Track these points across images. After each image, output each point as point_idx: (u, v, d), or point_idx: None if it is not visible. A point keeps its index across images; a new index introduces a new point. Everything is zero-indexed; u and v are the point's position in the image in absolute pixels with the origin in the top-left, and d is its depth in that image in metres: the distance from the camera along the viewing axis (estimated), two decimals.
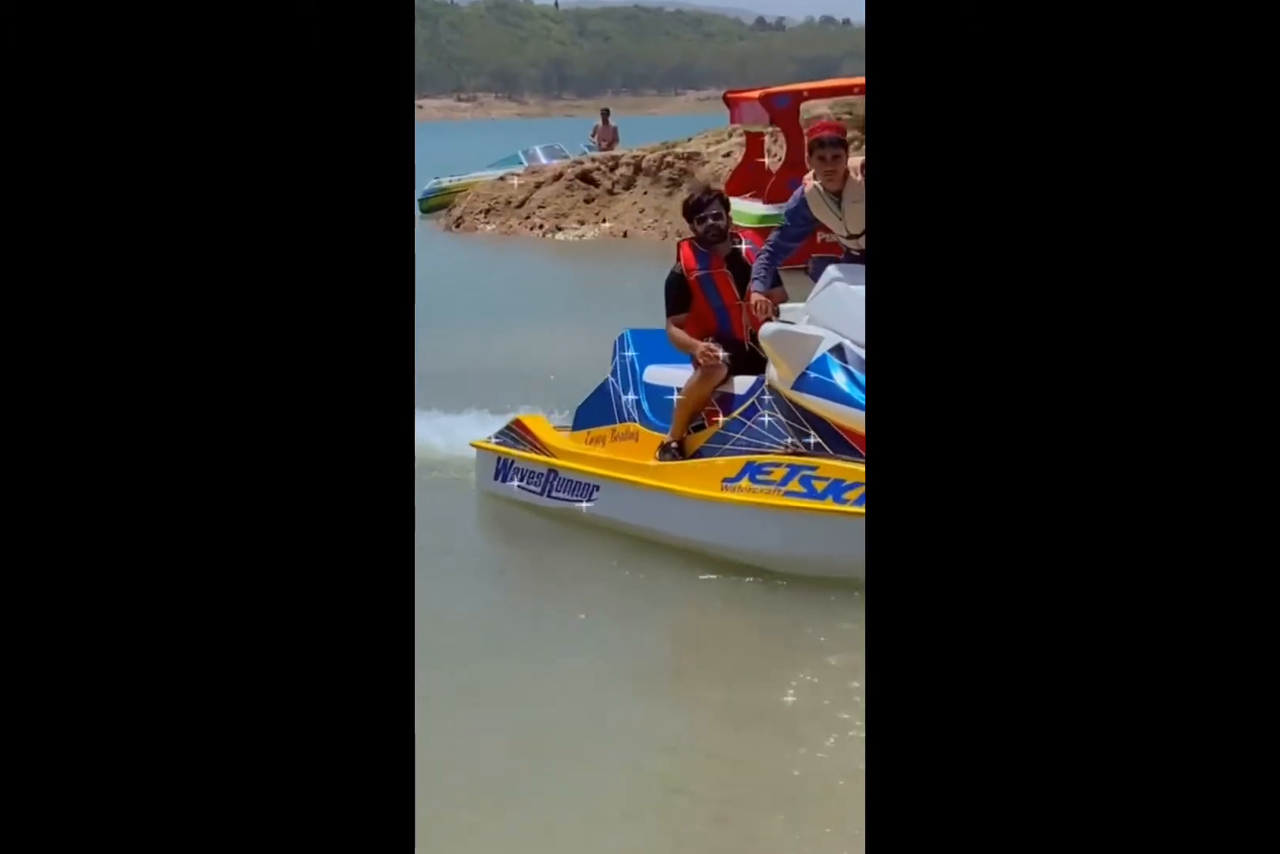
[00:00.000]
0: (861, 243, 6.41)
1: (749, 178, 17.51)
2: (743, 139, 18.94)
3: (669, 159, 21.30)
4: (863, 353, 5.82)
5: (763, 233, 7.12)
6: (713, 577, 5.89)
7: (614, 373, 7.08)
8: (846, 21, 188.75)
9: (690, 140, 22.25)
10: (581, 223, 21.48)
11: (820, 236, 7.99)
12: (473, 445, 7.55)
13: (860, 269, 6.19)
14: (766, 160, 18.07)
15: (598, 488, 6.73)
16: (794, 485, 5.77)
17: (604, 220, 21.35)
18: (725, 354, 6.45)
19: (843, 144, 6.38)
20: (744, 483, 5.98)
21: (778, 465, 5.89)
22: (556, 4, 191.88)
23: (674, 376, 6.72)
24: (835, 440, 5.81)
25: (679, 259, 6.71)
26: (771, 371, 6.18)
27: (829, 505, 5.61)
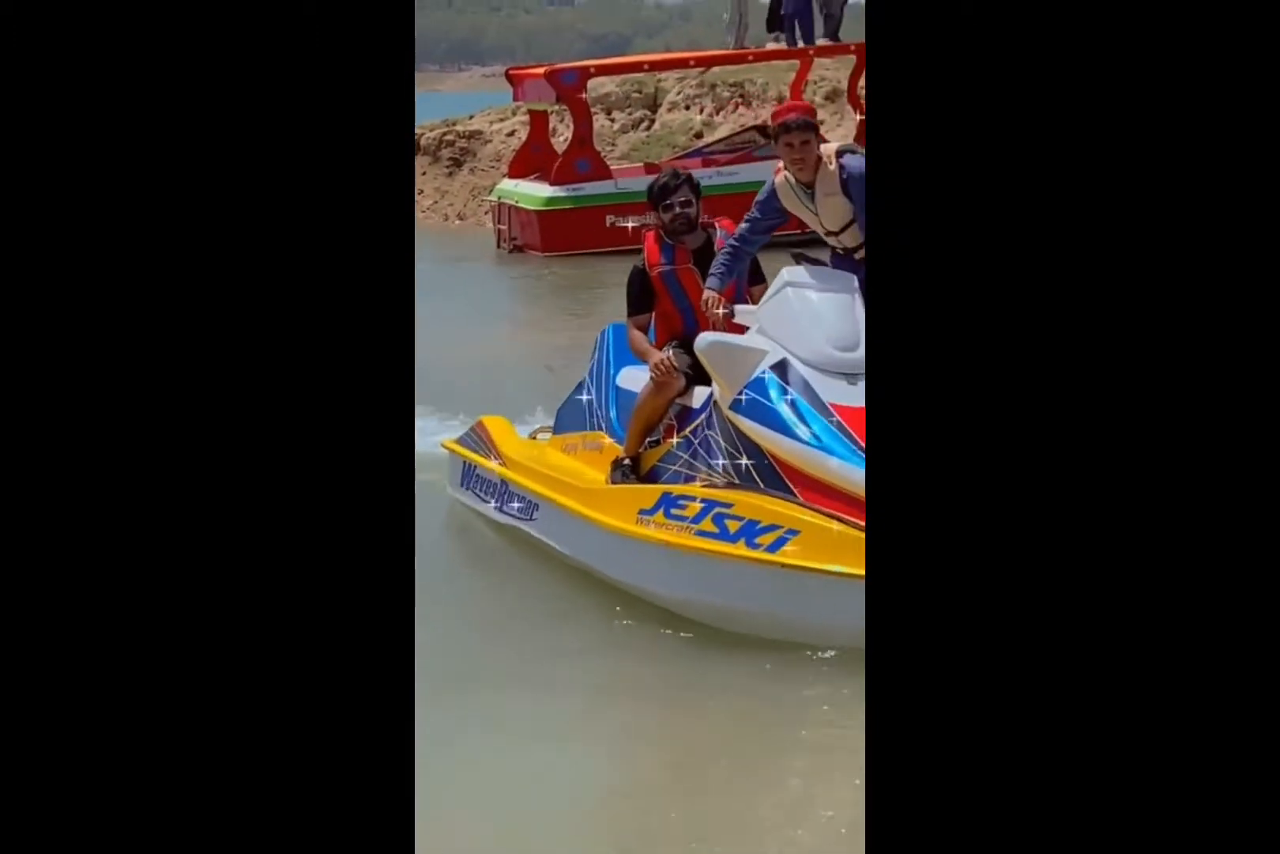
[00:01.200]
0: (844, 240, 6.09)
1: (533, 158, 17.63)
2: (527, 117, 19.06)
3: (449, 137, 21.34)
4: (807, 372, 5.53)
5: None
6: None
7: (589, 373, 6.68)
8: None
9: (472, 118, 22.27)
10: None
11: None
12: (443, 446, 7.28)
13: (825, 273, 5.91)
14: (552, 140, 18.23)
15: (538, 507, 6.33)
16: (706, 524, 5.35)
17: None
18: (686, 361, 5.93)
19: (812, 128, 5.89)
20: (658, 516, 5.54)
21: (693, 499, 5.49)
22: None
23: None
24: (769, 472, 5.43)
25: (644, 251, 6.21)
26: (715, 387, 5.75)
27: (738, 549, 5.20)
